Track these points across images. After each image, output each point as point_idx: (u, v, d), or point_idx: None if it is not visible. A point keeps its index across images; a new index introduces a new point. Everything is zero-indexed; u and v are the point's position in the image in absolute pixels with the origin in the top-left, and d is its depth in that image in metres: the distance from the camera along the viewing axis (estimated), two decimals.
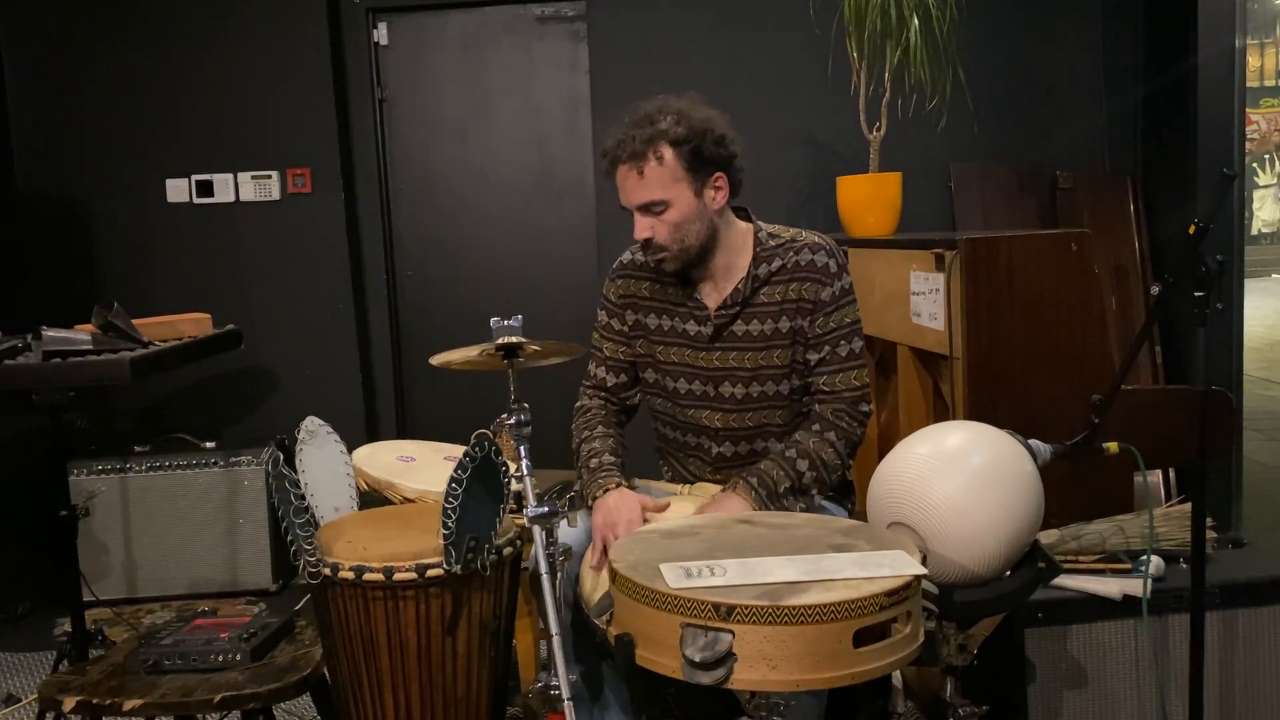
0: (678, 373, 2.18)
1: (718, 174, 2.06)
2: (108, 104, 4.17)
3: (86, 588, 2.96)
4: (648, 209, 2.03)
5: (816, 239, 2.14)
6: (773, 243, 2.13)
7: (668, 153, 2.01)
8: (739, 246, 2.13)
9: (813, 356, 2.10)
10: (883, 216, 3.44)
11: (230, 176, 4.19)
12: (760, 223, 2.17)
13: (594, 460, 2.10)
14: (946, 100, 3.40)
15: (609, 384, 2.26)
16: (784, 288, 2.10)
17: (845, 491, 2.26)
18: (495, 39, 4.22)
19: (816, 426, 2.07)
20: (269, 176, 4.18)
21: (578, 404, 2.26)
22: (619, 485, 2.03)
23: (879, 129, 3.47)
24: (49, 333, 2.73)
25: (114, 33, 4.15)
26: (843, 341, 2.09)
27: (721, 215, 2.10)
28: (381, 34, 4.24)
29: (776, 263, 2.11)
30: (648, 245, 2.07)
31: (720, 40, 4.04)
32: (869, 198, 3.45)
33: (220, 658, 2.07)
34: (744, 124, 4.16)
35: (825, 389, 2.09)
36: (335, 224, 4.19)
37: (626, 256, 2.26)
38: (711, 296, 2.14)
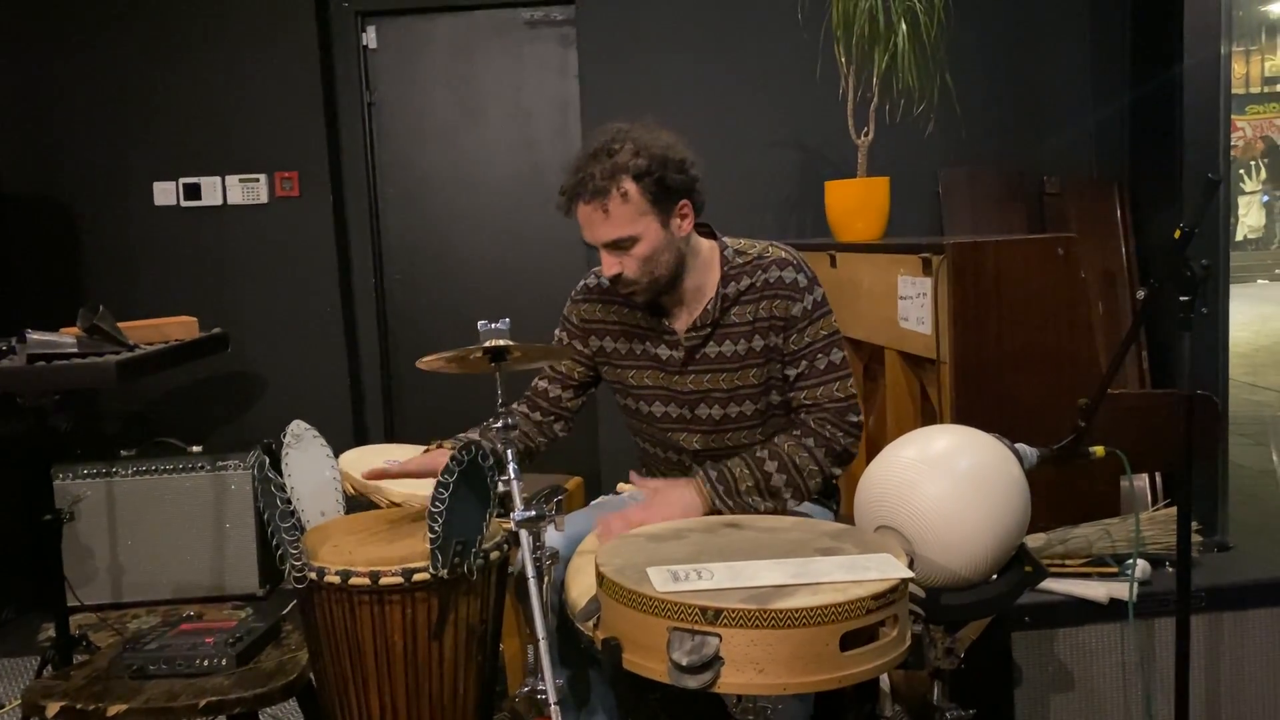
0: (652, 396, 2.16)
1: (683, 201, 2.01)
2: (94, 106, 4.15)
3: (71, 593, 2.94)
4: (615, 246, 1.99)
5: (783, 254, 2.10)
6: (740, 260, 2.10)
7: (631, 187, 1.95)
8: (706, 266, 2.10)
9: (791, 372, 2.07)
10: (870, 221, 3.45)
11: (218, 179, 4.18)
12: (725, 239, 2.14)
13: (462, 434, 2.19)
14: (934, 105, 3.42)
15: (550, 394, 2.26)
16: (754, 306, 2.07)
17: (829, 493, 2.25)
18: (484, 43, 4.22)
19: (796, 432, 2.05)
20: (257, 180, 4.17)
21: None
22: (441, 446, 2.14)
23: (867, 134, 3.48)
24: (34, 336, 2.71)
25: (101, 35, 4.13)
26: (820, 354, 2.06)
27: (688, 240, 2.06)
28: (370, 37, 4.23)
29: (745, 281, 2.08)
30: (617, 280, 2.03)
31: (709, 45, 4.05)
32: (857, 202, 3.46)
33: (205, 662, 2.06)
34: (732, 128, 4.20)
35: (808, 402, 2.06)
36: (323, 227, 4.18)
37: (592, 280, 2.22)
38: (682, 319, 2.11)
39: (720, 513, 2.00)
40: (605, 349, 2.20)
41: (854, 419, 2.06)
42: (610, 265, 2.02)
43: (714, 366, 2.10)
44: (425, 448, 2.22)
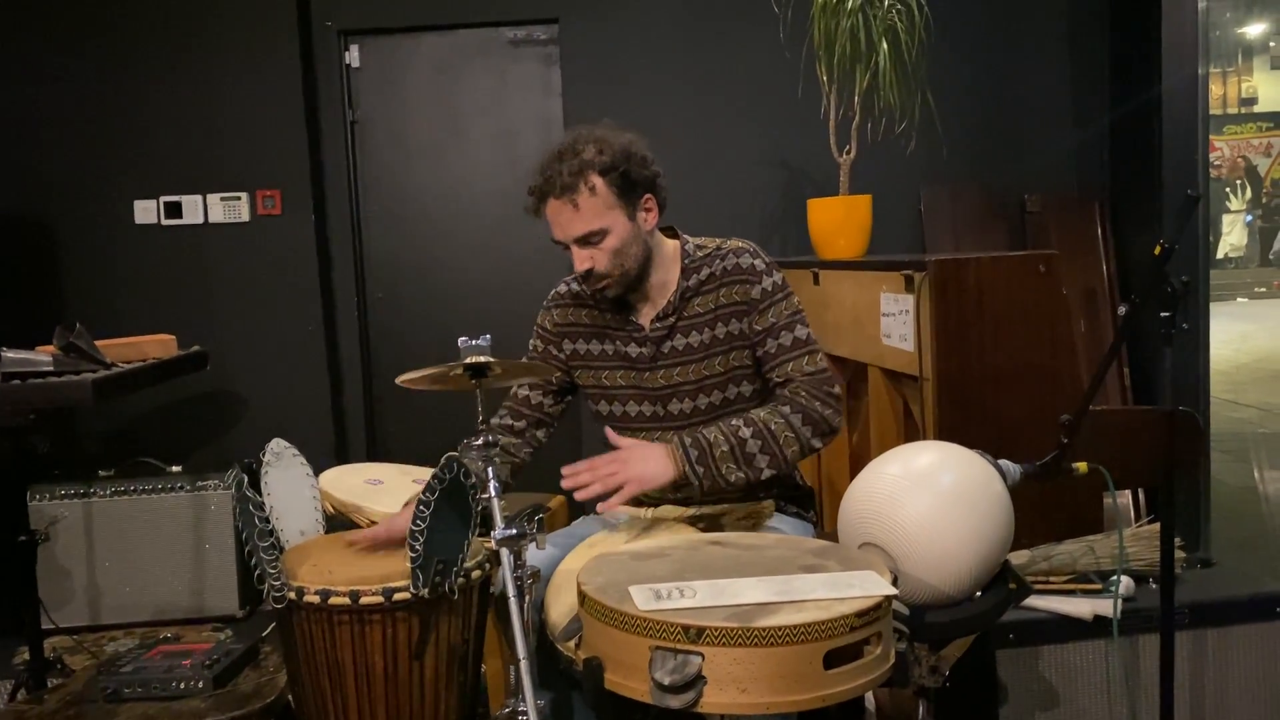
0: (626, 396, 2.19)
1: (647, 195, 2.09)
2: (74, 123, 4.13)
3: (46, 615, 2.90)
4: (586, 240, 2.05)
5: (740, 244, 2.17)
6: (700, 254, 2.16)
7: (598, 181, 2.02)
8: (670, 262, 2.16)
9: (760, 352, 2.11)
10: (853, 238, 3.45)
11: (199, 198, 4.16)
12: (687, 236, 2.20)
13: None
14: (915, 124, 3.43)
15: (531, 401, 2.27)
16: (714, 295, 2.12)
17: (805, 504, 2.26)
18: (468, 62, 4.22)
19: (773, 402, 2.07)
20: (238, 198, 4.15)
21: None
22: None
23: (849, 152, 3.50)
24: (9, 354, 2.68)
25: (81, 52, 4.11)
26: (785, 332, 2.09)
27: (653, 234, 2.14)
28: (353, 56, 4.23)
29: (705, 271, 2.14)
30: (589, 276, 2.08)
31: (692, 64, 4.07)
32: (839, 220, 3.47)
33: (182, 685, 2.03)
34: (715, 147, 4.22)
35: (780, 379, 2.09)
36: (305, 246, 4.16)
37: (563, 288, 2.27)
38: (647, 314, 2.17)
39: (695, 478, 1.97)
40: (579, 351, 2.23)
41: (831, 389, 2.07)
42: (582, 260, 2.06)
43: (681, 359, 2.14)
44: (407, 502, 2.19)
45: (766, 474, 2.02)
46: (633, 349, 2.17)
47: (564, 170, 2.02)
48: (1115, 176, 3.97)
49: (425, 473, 2.57)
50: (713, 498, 2.12)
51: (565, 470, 1.96)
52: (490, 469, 1.80)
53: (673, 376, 2.14)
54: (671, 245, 2.19)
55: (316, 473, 2.21)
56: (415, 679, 1.89)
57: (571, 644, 1.66)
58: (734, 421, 2.02)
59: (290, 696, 2.04)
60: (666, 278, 2.15)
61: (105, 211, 4.16)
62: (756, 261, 2.12)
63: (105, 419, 4.14)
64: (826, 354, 3.26)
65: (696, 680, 1.39)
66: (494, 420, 2.28)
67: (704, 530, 2.07)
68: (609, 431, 2.10)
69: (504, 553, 1.74)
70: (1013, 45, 4.03)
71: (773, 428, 2.01)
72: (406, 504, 2.16)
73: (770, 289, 2.11)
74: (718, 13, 4.04)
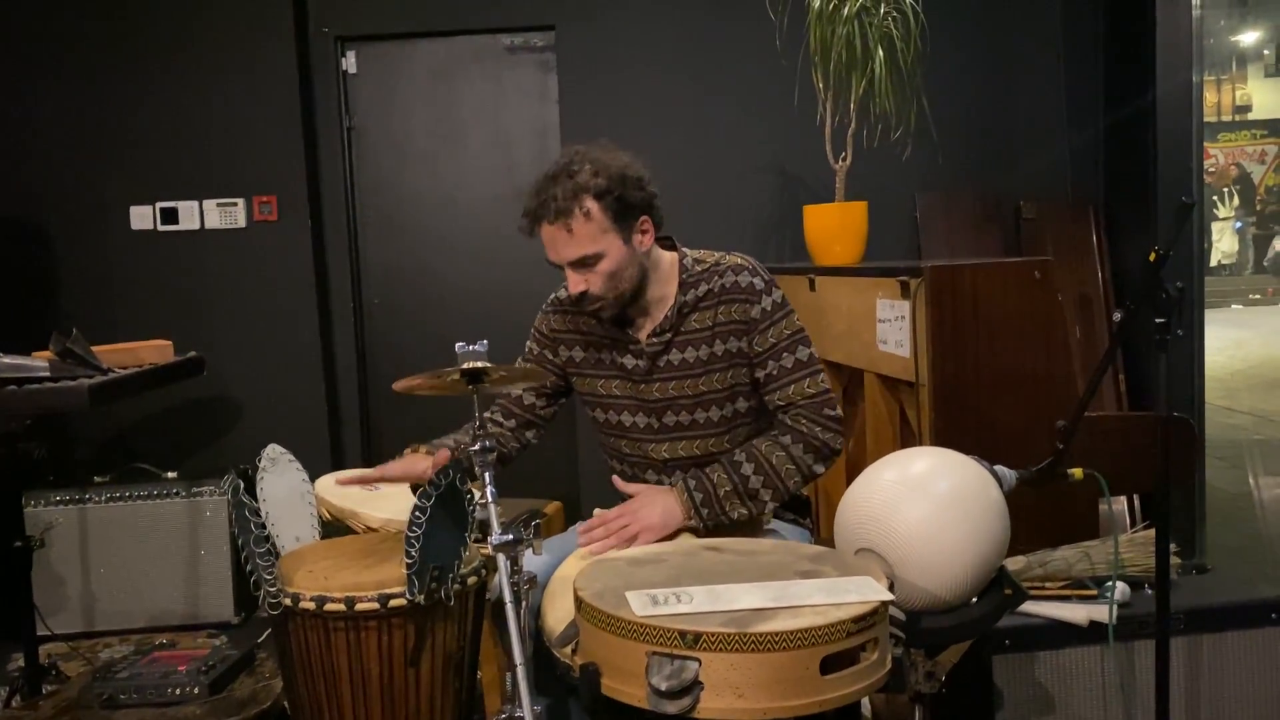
0: (621, 406, 2.19)
1: (643, 218, 2.07)
2: (72, 129, 4.13)
3: (41, 621, 2.89)
4: (580, 263, 2.03)
5: (739, 260, 2.15)
6: (698, 268, 2.15)
7: (593, 205, 2.00)
8: (667, 277, 2.15)
9: (760, 374, 2.10)
10: (849, 245, 3.46)
11: (195, 204, 4.16)
12: (685, 249, 2.19)
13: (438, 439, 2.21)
14: (911, 131, 3.45)
15: (524, 402, 2.28)
16: (713, 312, 2.11)
17: (802, 510, 2.26)
18: (464, 68, 4.23)
19: (774, 432, 2.08)
20: (235, 204, 4.16)
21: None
22: (417, 450, 2.16)
23: (845, 159, 3.50)
24: (4, 359, 2.68)
25: (77, 57, 4.12)
26: (786, 353, 2.09)
27: (649, 254, 2.12)
28: (350, 62, 4.24)
29: (703, 287, 2.12)
30: (583, 298, 2.07)
31: (688, 71, 4.08)
32: (835, 226, 3.48)
33: (177, 691, 2.03)
34: (712, 154, 4.23)
35: (782, 403, 2.09)
36: (302, 252, 4.16)
37: (562, 293, 2.26)
38: (645, 329, 2.16)
39: (699, 520, 2.01)
40: (574, 359, 2.23)
41: (831, 413, 2.08)
42: (576, 283, 2.06)
43: (678, 373, 2.13)
44: (412, 448, 2.22)
45: (770, 506, 2.05)
46: (629, 360, 2.16)
47: (558, 194, 1.99)
48: (1110, 183, 3.98)
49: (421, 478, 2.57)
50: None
51: (579, 529, 2.01)
52: (488, 474, 1.80)
53: (668, 390, 2.14)
54: (669, 258, 2.17)
55: (312, 478, 2.21)
56: (411, 685, 1.89)
57: (568, 649, 1.66)
58: (736, 457, 2.04)
59: (286, 703, 2.03)
60: (664, 292, 2.14)
61: (101, 217, 4.16)
62: (755, 280, 2.11)
63: (101, 425, 4.14)
64: (823, 360, 3.29)
65: (693, 686, 1.39)
66: (485, 413, 2.28)
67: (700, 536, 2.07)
68: (616, 480, 2.15)
69: (500, 558, 1.74)
70: (1008, 52, 4.05)
71: (774, 460, 2.02)
72: (411, 450, 2.19)
73: (770, 308, 2.09)
74: (714, 19, 4.05)
